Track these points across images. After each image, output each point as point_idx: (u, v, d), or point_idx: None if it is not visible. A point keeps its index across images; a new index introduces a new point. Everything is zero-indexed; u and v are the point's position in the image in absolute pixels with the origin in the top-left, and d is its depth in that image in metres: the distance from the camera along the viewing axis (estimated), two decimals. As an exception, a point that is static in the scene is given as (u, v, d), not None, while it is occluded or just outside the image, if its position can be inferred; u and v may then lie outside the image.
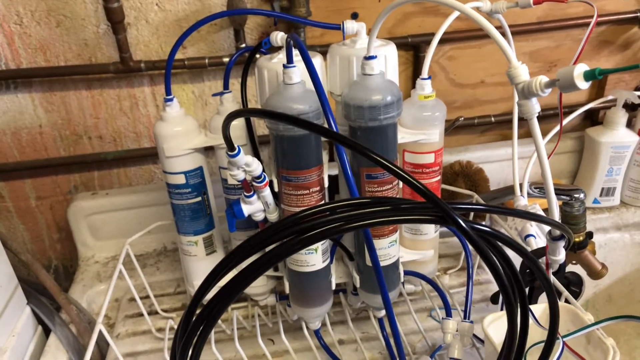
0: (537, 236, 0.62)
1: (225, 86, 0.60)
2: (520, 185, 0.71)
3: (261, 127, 0.80)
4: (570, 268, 0.67)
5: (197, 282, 0.65)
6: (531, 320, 0.46)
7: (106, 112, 0.83)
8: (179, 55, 0.79)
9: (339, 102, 0.56)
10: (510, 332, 0.35)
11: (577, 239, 0.64)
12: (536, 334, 0.45)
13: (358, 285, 0.59)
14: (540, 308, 0.50)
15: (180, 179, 0.59)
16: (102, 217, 0.83)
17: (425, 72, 0.58)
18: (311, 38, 0.81)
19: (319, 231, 0.30)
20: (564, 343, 0.44)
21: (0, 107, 0.80)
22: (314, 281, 0.57)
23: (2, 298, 0.61)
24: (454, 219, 0.30)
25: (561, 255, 0.47)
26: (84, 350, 0.65)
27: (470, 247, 0.58)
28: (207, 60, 0.77)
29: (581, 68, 0.34)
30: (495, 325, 0.48)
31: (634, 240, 0.87)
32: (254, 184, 0.52)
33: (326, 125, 0.45)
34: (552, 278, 0.51)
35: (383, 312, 0.62)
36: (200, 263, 0.64)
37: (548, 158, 0.56)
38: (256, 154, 0.59)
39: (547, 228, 0.54)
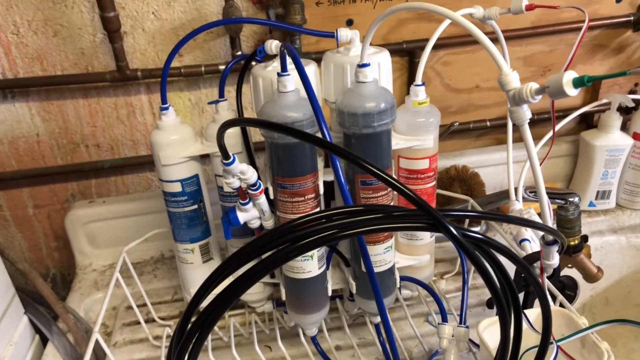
0: (532, 240, 0.62)
1: (221, 94, 0.61)
2: (516, 189, 0.72)
3: (257, 134, 0.81)
4: (566, 272, 0.67)
5: (194, 289, 0.66)
6: (526, 325, 0.46)
7: (103, 121, 0.84)
8: (175, 63, 0.80)
9: (333, 109, 0.57)
10: (503, 337, 0.35)
11: (572, 243, 0.65)
12: (531, 338, 0.45)
13: (354, 291, 0.59)
14: (535, 312, 0.51)
15: (177, 187, 0.60)
16: (99, 225, 0.83)
17: (419, 79, 0.59)
18: (307, 45, 0.81)
19: (314, 239, 0.31)
20: (558, 347, 0.45)
21: (-2, 117, 0.80)
22: (310, 288, 0.57)
23: (0, 307, 0.61)
24: (445, 226, 0.30)
25: (555, 260, 0.47)
26: (81, 359, 0.65)
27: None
28: (203, 68, 0.78)
29: (570, 75, 0.35)
30: (490, 330, 0.49)
31: (630, 243, 0.87)
32: (250, 191, 0.52)
33: (319, 134, 0.46)
34: (547, 282, 0.51)
35: (379, 318, 0.62)
36: (197, 270, 0.64)
37: (541, 163, 0.57)
38: (252, 162, 0.60)
39: (541, 232, 0.55)
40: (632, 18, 0.88)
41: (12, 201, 0.87)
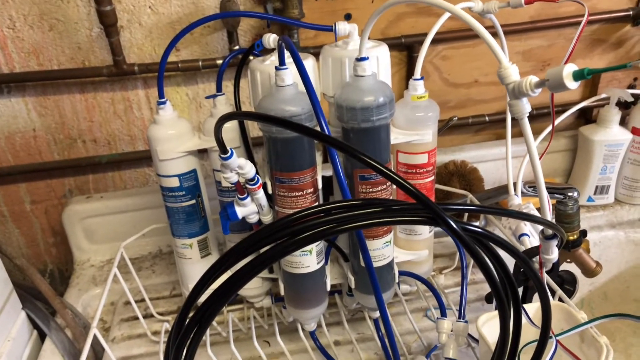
0: (531, 235, 0.62)
1: (218, 89, 0.60)
2: (514, 184, 0.72)
3: (255, 129, 0.80)
4: (564, 266, 0.67)
5: (193, 284, 0.65)
6: (525, 320, 0.46)
7: (100, 116, 0.83)
8: (172, 58, 0.79)
9: (331, 103, 0.56)
10: (502, 331, 0.35)
11: (571, 238, 0.65)
12: (531, 332, 0.45)
13: (353, 286, 0.59)
14: (534, 307, 0.51)
15: (174, 182, 0.59)
16: (97, 220, 0.83)
17: (417, 73, 0.58)
18: (305, 39, 0.81)
19: (312, 233, 0.30)
20: (557, 342, 0.45)
21: (-6, 112, 0.80)
22: (308, 283, 0.57)
23: (-3, 303, 0.61)
24: (445, 220, 0.30)
25: (554, 254, 0.47)
26: (80, 354, 0.64)
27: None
28: (200, 63, 0.77)
29: (570, 68, 0.34)
30: (489, 325, 0.49)
31: (628, 238, 0.87)
32: (248, 186, 0.52)
33: (318, 128, 0.45)
34: (546, 277, 0.51)
35: (378, 313, 0.62)
36: (195, 266, 0.64)
37: (540, 158, 0.57)
38: (250, 156, 0.59)
39: (541, 227, 0.55)
40: (631, 12, 0.88)
41: (9, 197, 0.86)
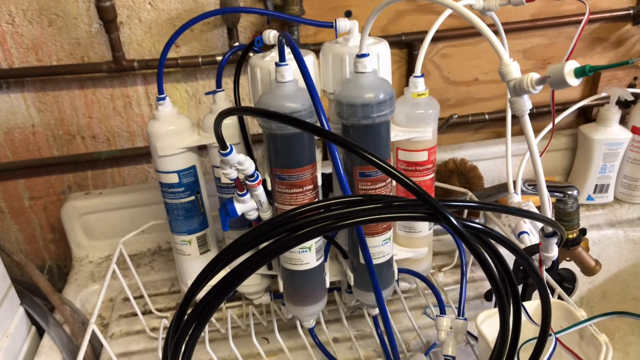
0: (531, 233, 0.62)
1: (218, 85, 0.60)
2: (514, 182, 0.72)
3: (254, 125, 0.80)
4: (564, 265, 0.67)
5: (191, 281, 0.65)
6: (524, 317, 0.46)
7: (99, 112, 0.83)
8: (172, 54, 0.79)
9: (331, 100, 0.56)
10: (502, 329, 0.35)
11: (570, 236, 0.65)
12: (530, 330, 0.45)
13: (352, 283, 0.59)
14: (533, 304, 0.51)
15: (174, 178, 0.59)
16: (95, 217, 0.82)
17: (418, 70, 0.58)
18: (305, 37, 0.81)
19: (311, 229, 0.30)
20: (556, 339, 0.44)
21: (-7, 107, 0.79)
22: (308, 280, 0.57)
23: (-5, 299, 0.61)
24: (445, 217, 0.30)
25: (554, 252, 0.47)
26: (78, 350, 0.64)
27: (463, 244, 0.58)
28: (200, 59, 0.77)
29: (571, 65, 0.34)
30: (489, 322, 0.49)
31: (627, 237, 0.87)
32: (247, 182, 0.52)
33: (318, 124, 0.45)
34: (545, 275, 0.51)
35: (377, 310, 0.62)
36: (194, 262, 0.64)
37: (540, 155, 0.57)
38: (249, 153, 0.59)
39: (540, 225, 0.55)
40: (631, 11, 0.88)
41: (8, 192, 0.86)
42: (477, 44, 0.87)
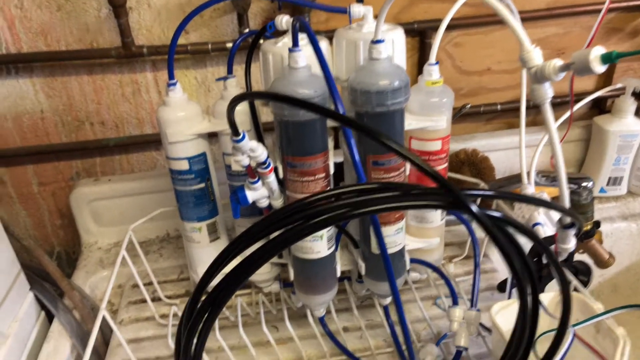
0: (545, 225, 0.61)
1: (229, 71, 0.59)
2: (528, 173, 0.70)
3: (265, 113, 0.79)
4: (577, 257, 0.66)
5: (201, 269, 0.65)
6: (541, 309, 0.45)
7: (108, 98, 0.83)
8: (181, 41, 0.78)
9: (345, 87, 0.55)
10: (521, 319, 0.34)
11: (584, 228, 0.64)
12: (544, 323, 0.44)
13: (363, 272, 0.58)
14: (548, 297, 0.50)
15: (184, 165, 0.59)
16: (104, 203, 0.82)
17: (432, 58, 0.57)
18: (316, 23, 0.79)
19: (327, 217, 0.30)
20: (574, 332, 0.44)
21: (1, 92, 0.79)
22: (319, 268, 0.56)
23: (5, 284, 0.61)
24: (467, 205, 0.29)
25: (571, 244, 0.46)
26: (88, 336, 0.64)
27: (476, 235, 0.58)
28: (210, 46, 0.76)
29: (598, 51, 0.33)
30: (503, 314, 0.48)
31: (640, 230, 0.86)
32: (259, 170, 0.51)
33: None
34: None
35: (388, 300, 0.61)
36: (204, 250, 0.64)
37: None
38: (260, 140, 0.59)
39: (555, 216, 0.54)
40: (649, 1, 0.86)
41: (17, 178, 0.86)
42: (490, 32, 0.86)
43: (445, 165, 0.61)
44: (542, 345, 0.41)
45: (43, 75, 0.79)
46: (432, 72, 0.57)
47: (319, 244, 0.54)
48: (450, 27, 0.83)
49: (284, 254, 0.62)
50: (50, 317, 0.67)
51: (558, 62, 0.36)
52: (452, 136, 0.90)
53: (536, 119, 0.95)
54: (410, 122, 0.57)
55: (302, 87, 0.48)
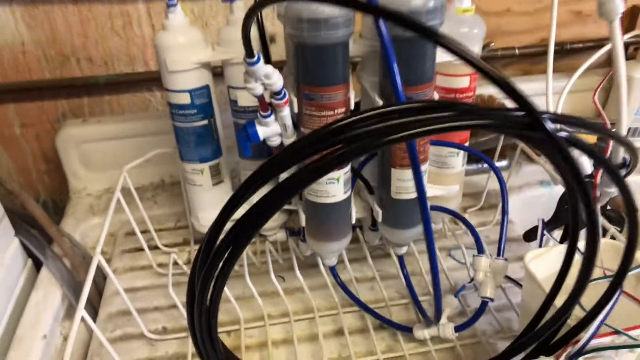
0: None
1: (237, -8, 0.53)
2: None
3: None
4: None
5: (203, 214, 0.60)
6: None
7: (96, 31, 0.75)
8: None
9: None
10: (587, 260, 0.31)
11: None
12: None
13: (380, 219, 0.54)
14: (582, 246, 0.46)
15: (185, 98, 0.53)
16: (94, 146, 0.76)
17: (463, -17, 0.51)
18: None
19: (391, 138, 0.24)
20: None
21: (-23, 20, 0.71)
22: (333, 214, 0.52)
23: (-13, 227, 0.56)
24: (543, 126, 0.25)
25: (614, 188, 0.42)
26: (80, 285, 0.60)
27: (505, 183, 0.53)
28: (209, -29, 0.69)
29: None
30: (537, 262, 0.44)
31: (656, 183, 0.83)
32: (273, 101, 0.46)
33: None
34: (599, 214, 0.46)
35: (404, 249, 0.58)
36: (205, 194, 0.59)
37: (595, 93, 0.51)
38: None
39: (586, 163, 0.50)
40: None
41: (-3, 118, 0.79)
42: (513, -33, 0.79)
43: (471, 105, 0.56)
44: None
45: (23, 2, 0.71)
46: (464, -2, 0.51)
47: (334, 187, 0.50)
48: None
49: (293, 200, 0.57)
50: (37, 265, 0.62)
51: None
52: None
53: (554, 66, 0.90)
54: (439, 54, 0.51)
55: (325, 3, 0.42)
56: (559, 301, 0.37)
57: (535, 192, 0.79)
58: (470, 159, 0.73)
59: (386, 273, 0.62)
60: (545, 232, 0.49)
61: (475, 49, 0.53)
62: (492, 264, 0.49)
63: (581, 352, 0.36)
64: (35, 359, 0.51)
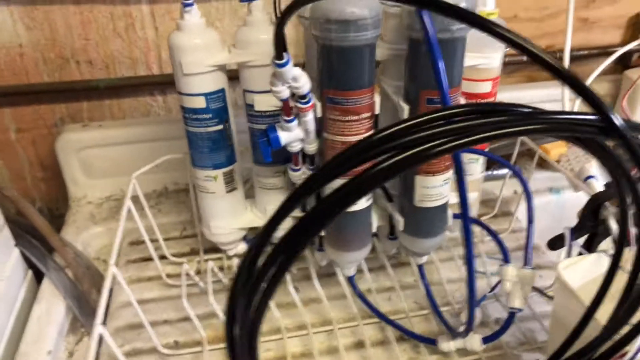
0: (597, 178, 0.56)
1: (254, -7, 0.51)
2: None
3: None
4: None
5: (215, 222, 0.58)
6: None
7: (97, 33, 0.73)
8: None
9: (390, 14, 0.48)
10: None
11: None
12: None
13: (401, 228, 0.52)
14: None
15: (200, 102, 0.51)
16: (95, 152, 0.73)
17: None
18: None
19: (468, 139, 0.23)
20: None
21: (-27, 20, 0.68)
22: (354, 222, 0.50)
23: (-13, 237, 0.53)
24: (621, 132, 0.23)
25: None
26: (83, 297, 0.57)
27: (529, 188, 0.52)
28: (218, -27, 0.67)
29: None
30: (571, 271, 0.43)
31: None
32: (298, 105, 0.44)
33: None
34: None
35: (425, 259, 0.56)
36: (218, 201, 0.56)
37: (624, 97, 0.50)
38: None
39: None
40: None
41: (-8, 122, 0.76)
42: (521, -26, 0.79)
43: (492, 110, 0.55)
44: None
45: (22, 3, 0.69)
46: (487, 0, 0.50)
47: (357, 194, 0.48)
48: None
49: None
50: (38, 276, 0.59)
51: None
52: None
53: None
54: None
55: (353, 5, 0.40)
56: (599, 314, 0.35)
57: (544, 198, 0.78)
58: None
59: (402, 283, 0.60)
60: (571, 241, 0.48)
61: (499, 53, 0.52)
62: (520, 273, 0.48)
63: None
64: (40, 376, 0.48)
